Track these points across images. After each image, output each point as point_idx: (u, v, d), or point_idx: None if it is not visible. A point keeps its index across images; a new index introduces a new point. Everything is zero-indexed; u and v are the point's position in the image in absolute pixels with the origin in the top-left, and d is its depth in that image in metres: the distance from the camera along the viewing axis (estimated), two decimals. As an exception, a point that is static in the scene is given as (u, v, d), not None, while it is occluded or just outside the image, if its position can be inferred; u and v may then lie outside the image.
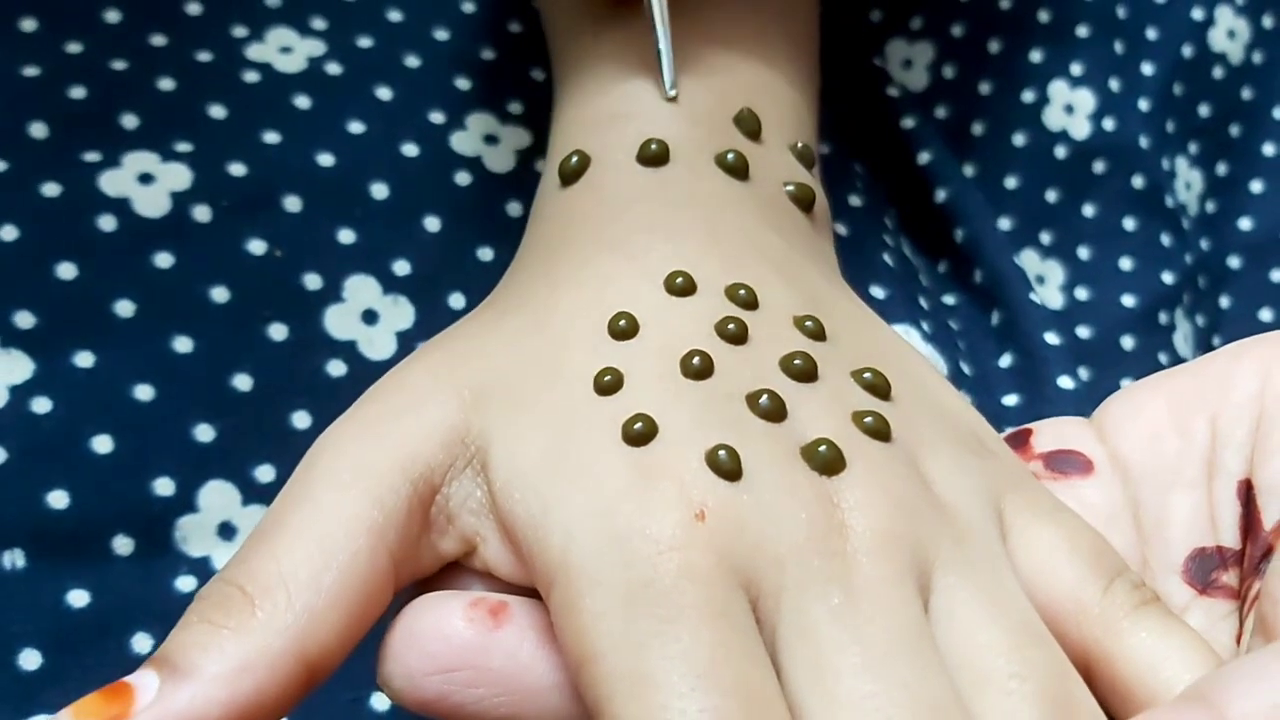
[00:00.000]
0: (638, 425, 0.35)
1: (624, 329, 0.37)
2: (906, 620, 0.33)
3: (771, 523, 0.34)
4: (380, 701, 0.43)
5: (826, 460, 0.35)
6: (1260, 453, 0.37)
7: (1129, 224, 0.58)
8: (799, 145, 0.45)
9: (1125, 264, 0.58)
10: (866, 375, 0.38)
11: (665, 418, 0.35)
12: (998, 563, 0.36)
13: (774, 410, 0.36)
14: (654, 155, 0.42)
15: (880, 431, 0.36)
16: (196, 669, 0.33)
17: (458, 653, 0.34)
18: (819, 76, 0.50)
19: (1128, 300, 0.57)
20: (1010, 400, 0.52)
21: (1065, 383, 0.51)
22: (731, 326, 0.37)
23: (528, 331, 0.38)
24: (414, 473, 0.36)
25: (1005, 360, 0.54)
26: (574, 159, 0.43)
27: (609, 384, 0.36)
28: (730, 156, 0.42)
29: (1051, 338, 0.53)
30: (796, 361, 0.37)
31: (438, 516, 0.36)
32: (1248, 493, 0.37)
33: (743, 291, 0.38)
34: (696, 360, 0.36)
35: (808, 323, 0.39)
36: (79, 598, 0.43)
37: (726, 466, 0.34)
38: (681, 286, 0.38)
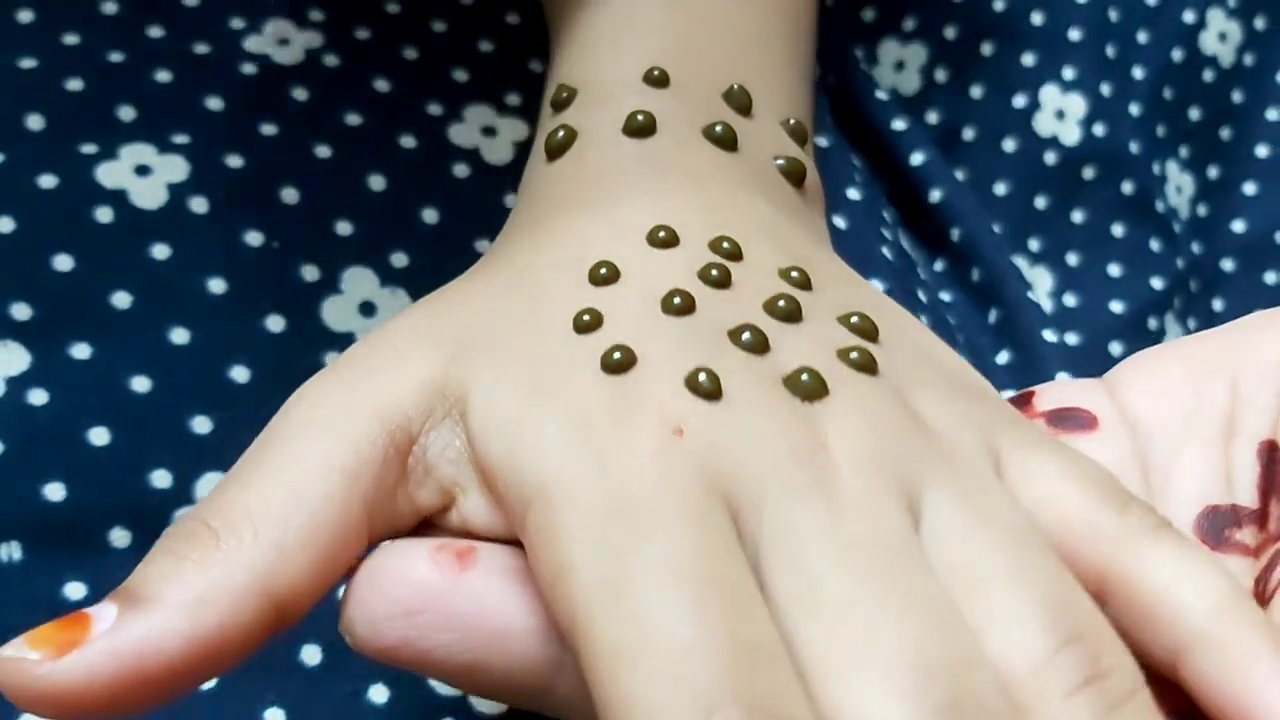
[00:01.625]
0: (616, 355, 0.35)
1: (605, 276, 0.37)
2: (893, 526, 0.33)
3: (752, 440, 0.34)
4: (379, 694, 0.43)
5: (809, 388, 0.35)
6: None
7: (1118, 230, 0.59)
8: (791, 121, 0.45)
9: (1114, 270, 0.59)
10: (854, 319, 0.38)
11: (645, 348, 0.35)
12: (990, 483, 0.35)
13: (756, 343, 0.36)
14: (640, 126, 0.42)
15: (866, 366, 0.36)
16: (156, 598, 0.32)
17: (421, 596, 0.34)
18: (815, 57, 0.51)
19: (1116, 306, 0.58)
20: (1009, 395, 0.52)
21: (1064, 379, 0.52)
22: (715, 272, 0.38)
23: (509, 285, 0.39)
24: (390, 421, 0.36)
25: (1003, 357, 0.54)
26: (560, 133, 0.43)
27: (588, 323, 0.36)
28: (718, 129, 0.43)
29: (1050, 335, 0.54)
30: (781, 303, 0.37)
31: (415, 467, 0.36)
32: (1270, 453, 0.37)
33: (726, 244, 0.39)
34: (677, 299, 0.36)
35: (793, 273, 0.39)
36: (76, 590, 0.43)
37: (706, 388, 0.34)
38: (664, 239, 0.38)
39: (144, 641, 0.32)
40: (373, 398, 0.36)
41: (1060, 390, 0.40)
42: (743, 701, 0.29)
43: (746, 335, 0.36)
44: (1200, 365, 0.39)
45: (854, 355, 0.36)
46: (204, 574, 0.33)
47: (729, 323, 0.36)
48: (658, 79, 0.44)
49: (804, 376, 0.35)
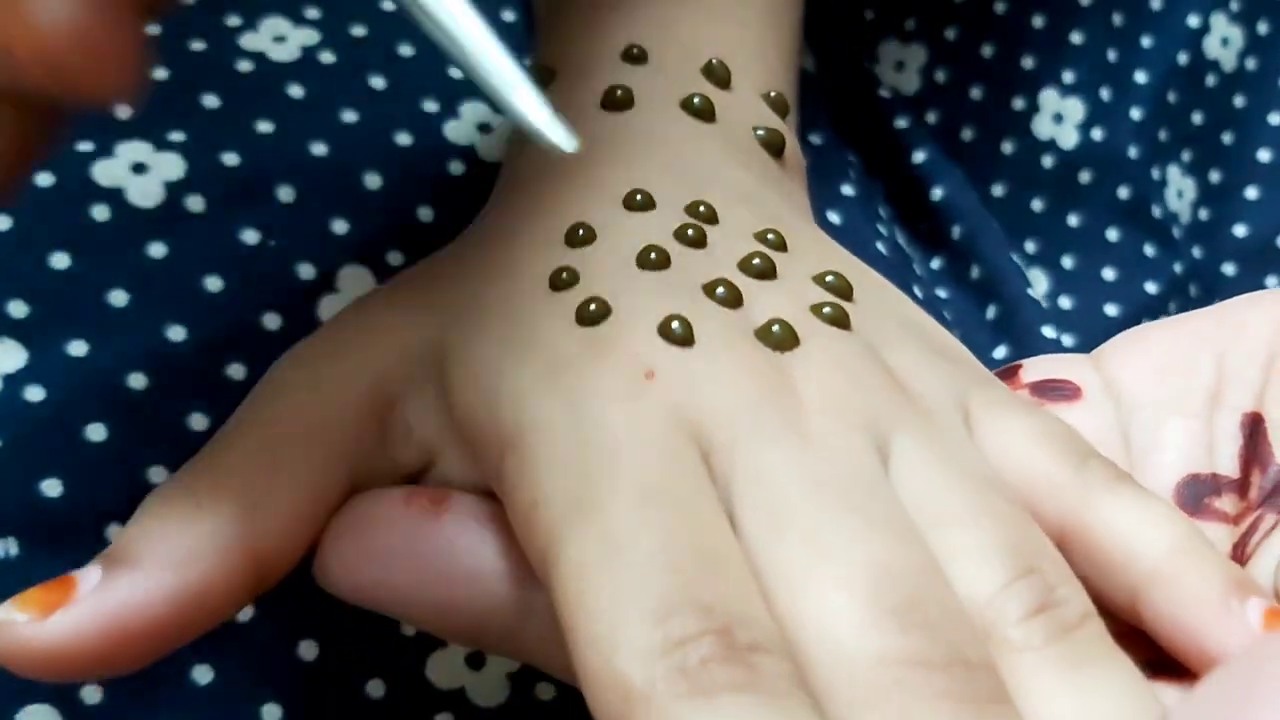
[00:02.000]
0: (590, 307, 0.36)
1: (581, 237, 0.38)
2: (861, 463, 0.34)
3: (722, 383, 0.35)
4: (376, 689, 0.44)
5: (779, 338, 0.36)
6: (1276, 389, 0.39)
7: (1113, 235, 0.60)
8: (772, 94, 0.46)
9: (1108, 274, 0.59)
10: (829, 278, 0.39)
11: (618, 301, 0.36)
12: (958, 434, 0.37)
13: (729, 298, 0.37)
14: (617, 101, 0.43)
15: (838, 320, 0.37)
16: (139, 558, 0.33)
17: (395, 538, 0.35)
18: (800, 34, 0.51)
19: (1110, 310, 0.59)
20: (996, 371, 0.53)
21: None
22: (690, 232, 0.39)
23: (486, 252, 0.40)
24: (370, 385, 0.37)
25: (1000, 352, 0.55)
26: None
27: (564, 280, 0.37)
28: (696, 101, 0.43)
29: (1049, 331, 0.54)
30: (755, 261, 0.38)
31: (395, 430, 0.37)
32: (1253, 425, 0.38)
33: (703, 208, 0.40)
34: (653, 255, 0.37)
35: (769, 235, 0.40)
36: None
37: (678, 335, 0.35)
38: (640, 203, 0.39)
39: (128, 599, 0.33)
40: (352, 363, 0.37)
41: (1046, 364, 0.42)
42: (699, 605, 0.31)
43: (720, 290, 0.37)
44: (1187, 341, 0.40)
45: (827, 310, 0.37)
46: (186, 533, 0.34)
47: (703, 278, 0.37)
48: (636, 56, 0.45)
49: (775, 327, 0.36)
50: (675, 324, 0.35)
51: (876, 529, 0.33)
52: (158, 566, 0.33)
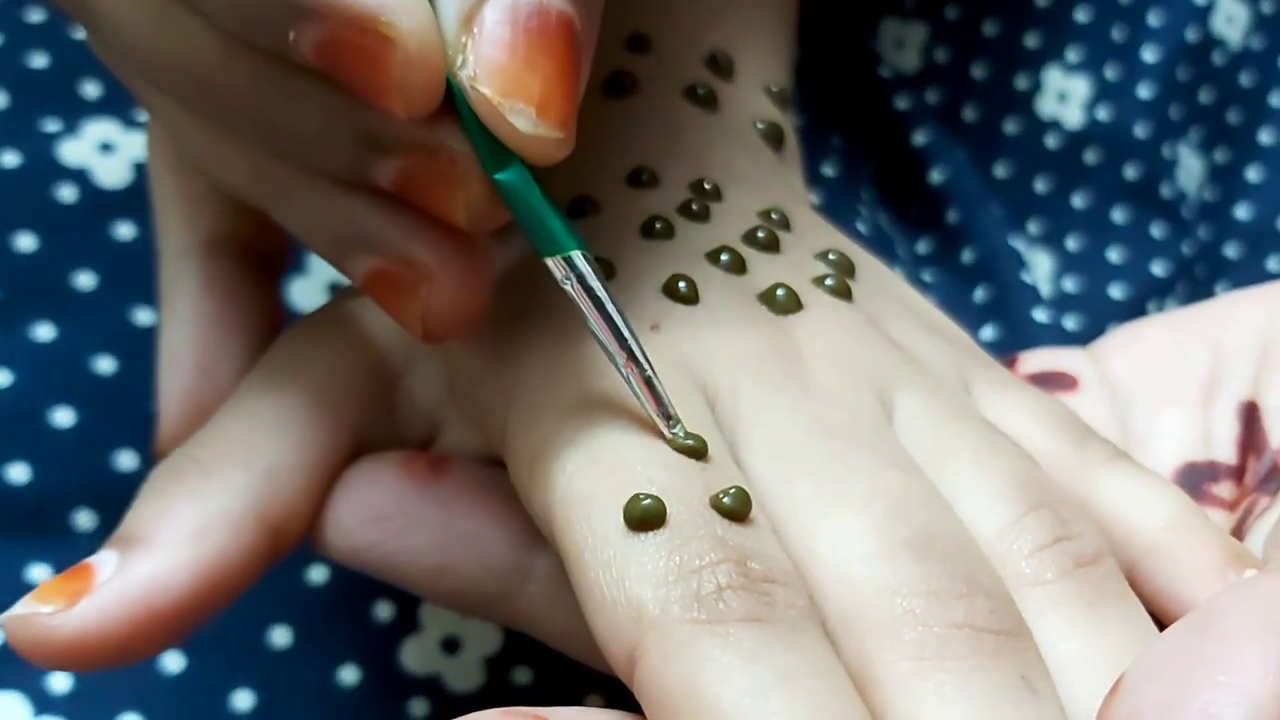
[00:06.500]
0: None
1: (585, 209, 0.39)
2: (865, 410, 0.35)
3: (726, 337, 0.36)
4: (350, 674, 0.45)
5: (783, 303, 0.37)
6: (1270, 377, 0.40)
7: (1118, 215, 0.61)
8: (773, 87, 0.47)
9: (1114, 255, 0.60)
10: (831, 255, 0.40)
11: (623, 264, 0.37)
12: (961, 394, 0.38)
13: (733, 264, 0.38)
14: (621, 86, 0.44)
15: (841, 292, 0.38)
16: (154, 537, 0.35)
17: (391, 500, 0.37)
18: (796, 28, 0.52)
19: (1116, 291, 0.60)
20: None
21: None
22: (695, 207, 0.40)
23: None
24: (374, 358, 0.38)
25: (988, 333, 0.56)
26: None
27: None
28: (700, 90, 0.44)
29: (1041, 316, 0.56)
30: (760, 234, 0.39)
31: (401, 403, 0.39)
32: (1249, 413, 0.40)
33: (708, 186, 0.41)
34: (658, 225, 0.39)
35: (773, 214, 0.41)
36: (40, 573, 0.44)
37: (683, 294, 0.36)
38: (645, 180, 0.41)
39: (151, 579, 0.34)
40: (356, 335, 0.38)
41: (1043, 356, 0.43)
42: (713, 535, 0.31)
43: (725, 256, 0.38)
44: (1182, 333, 0.41)
45: (829, 282, 0.39)
46: (198, 506, 0.35)
47: (707, 247, 0.38)
48: (640, 44, 0.45)
49: (779, 292, 0.37)
50: (681, 283, 0.37)
51: (885, 466, 0.34)
52: (173, 542, 0.34)
